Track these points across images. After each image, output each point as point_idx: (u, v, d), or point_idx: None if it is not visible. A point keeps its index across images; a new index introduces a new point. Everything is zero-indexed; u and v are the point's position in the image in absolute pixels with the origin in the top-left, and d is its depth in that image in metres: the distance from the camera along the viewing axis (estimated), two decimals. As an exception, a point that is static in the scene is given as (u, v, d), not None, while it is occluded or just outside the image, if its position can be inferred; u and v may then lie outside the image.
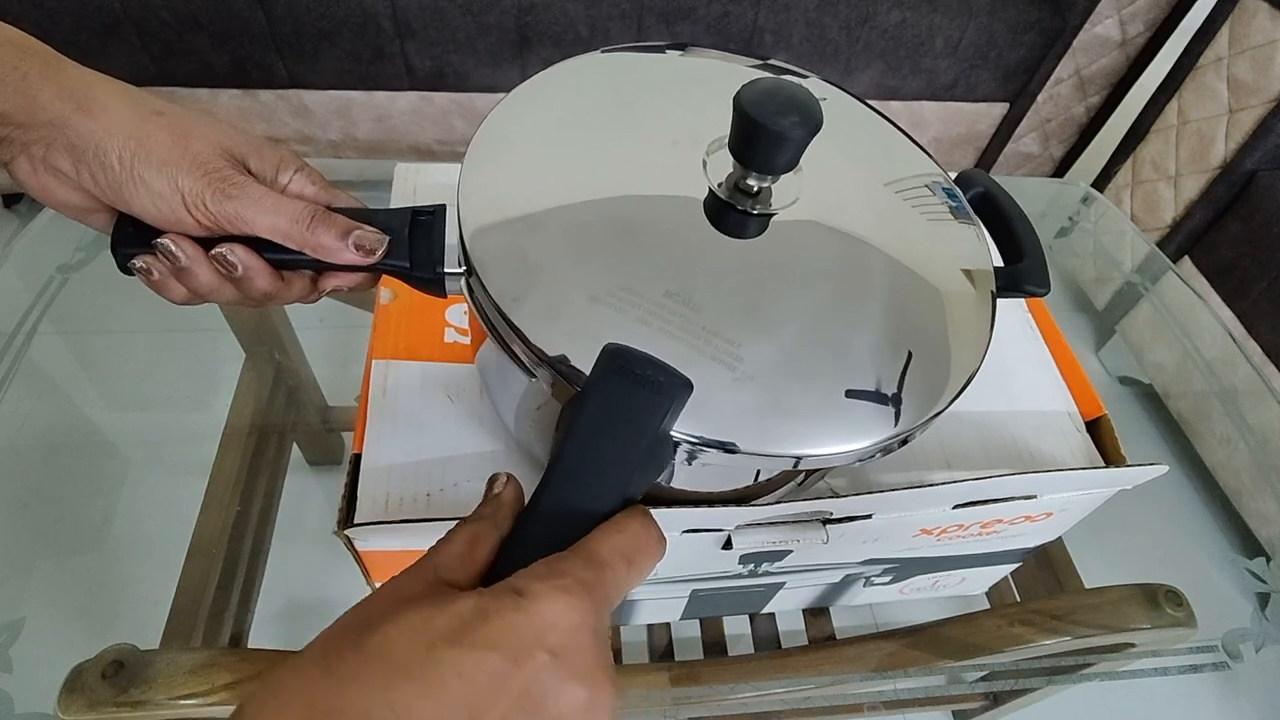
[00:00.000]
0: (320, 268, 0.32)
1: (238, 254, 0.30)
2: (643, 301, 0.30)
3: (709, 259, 0.32)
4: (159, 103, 0.29)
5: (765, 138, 0.29)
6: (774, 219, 0.33)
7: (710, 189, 0.33)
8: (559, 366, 0.28)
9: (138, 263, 0.30)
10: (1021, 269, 0.36)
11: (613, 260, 0.31)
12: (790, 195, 0.34)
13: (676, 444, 0.28)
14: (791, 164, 0.31)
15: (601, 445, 0.26)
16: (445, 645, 0.21)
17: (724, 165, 0.33)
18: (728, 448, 0.28)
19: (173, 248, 0.29)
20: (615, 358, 0.26)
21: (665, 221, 0.33)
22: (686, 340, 0.29)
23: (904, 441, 0.31)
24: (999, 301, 0.35)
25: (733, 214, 0.33)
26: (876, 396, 0.30)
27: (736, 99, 0.29)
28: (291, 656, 0.22)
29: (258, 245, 0.30)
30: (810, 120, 0.29)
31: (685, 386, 0.26)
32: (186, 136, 0.29)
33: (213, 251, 0.30)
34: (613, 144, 0.35)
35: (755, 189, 0.33)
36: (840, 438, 0.29)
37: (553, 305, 0.30)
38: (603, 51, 0.39)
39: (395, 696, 0.20)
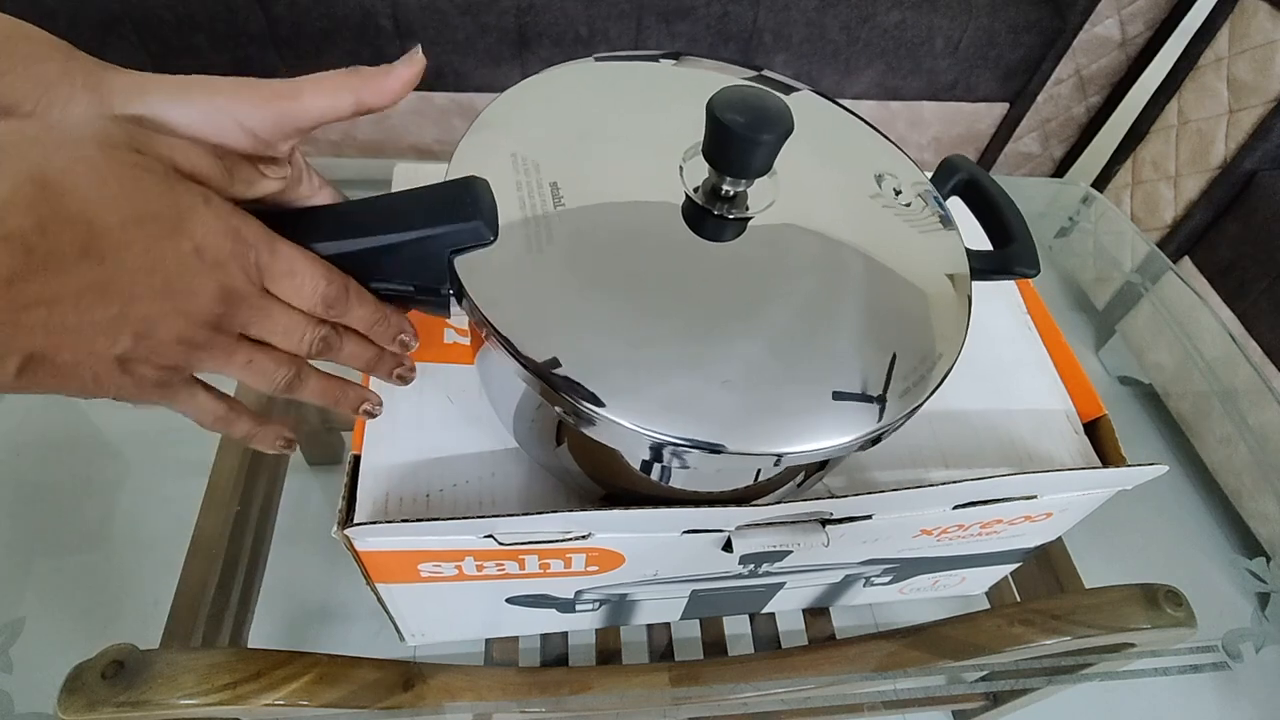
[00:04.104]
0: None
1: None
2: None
3: (686, 262, 0.32)
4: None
5: (738, 143, 0.30)
6: (751, 222, 0.34)
7: (686, 194, 0.34)
8: (536, 369, 0.29)
9: None
10: (1010, 252, 0.37)
11: (592, 266, 0.31)
12: (766, 199, 0.34)
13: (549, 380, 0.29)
14: (765, 168, 0.32)
15: (396, 213, 0.30)
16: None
17: (700, 171, 0.34)
18: (710, 448, 0.29)
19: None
20: (472, 185, 0.31)
21: (645, 227, 0.33)
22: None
23: (879, 439, 0.31)
24: (997, 302, 0.35)
25: (709, 218, 0.33)
26: (853, 394, 0.31)
27: (709, 106, 0.30)
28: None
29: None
30: (781, 126, 0.30)
31: (481, 234, 0.30)
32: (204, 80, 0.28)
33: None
34: (594, 151, 0.35)
35: (731, 193, 0.33)
36: (818, 435, 0.30)
37: (533, 312, 0.30)
38: (596, 59, 0.40)
39: None
